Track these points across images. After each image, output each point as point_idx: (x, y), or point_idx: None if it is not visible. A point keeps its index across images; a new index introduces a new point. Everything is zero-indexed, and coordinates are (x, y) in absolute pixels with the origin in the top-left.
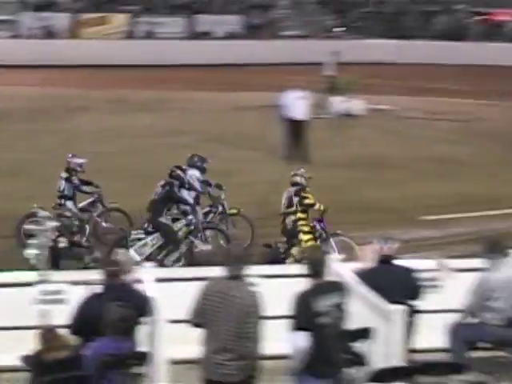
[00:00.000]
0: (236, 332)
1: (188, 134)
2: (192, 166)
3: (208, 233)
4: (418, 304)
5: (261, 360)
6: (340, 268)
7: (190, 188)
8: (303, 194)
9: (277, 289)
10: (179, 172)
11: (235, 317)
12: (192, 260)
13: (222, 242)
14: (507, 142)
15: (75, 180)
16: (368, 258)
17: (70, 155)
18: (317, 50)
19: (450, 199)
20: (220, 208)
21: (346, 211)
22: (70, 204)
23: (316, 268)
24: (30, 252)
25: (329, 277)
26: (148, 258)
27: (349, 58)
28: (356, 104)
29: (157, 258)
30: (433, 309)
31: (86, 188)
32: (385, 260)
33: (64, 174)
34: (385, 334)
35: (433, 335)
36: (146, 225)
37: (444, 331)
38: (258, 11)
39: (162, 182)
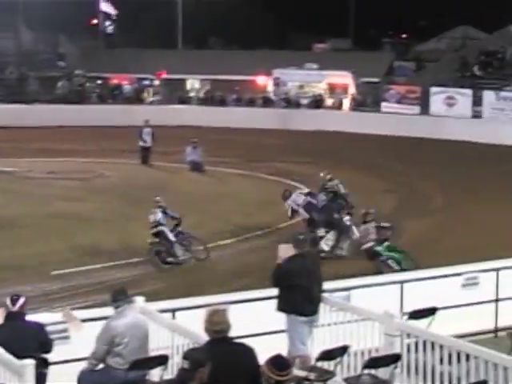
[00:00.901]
0: None
1: None
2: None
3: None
4: (49, 356)
5: None
6: None
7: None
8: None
9: None
10: (330, 183)
11: None
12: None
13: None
14: (125, 196)
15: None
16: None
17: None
18: None
19: (75, 253)
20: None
21: None
22: (165, 229)
23: None
24: None
25: None
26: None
27: None
28: None
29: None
30: (63, 359)
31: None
32: (14, 317)
33: (158, 209)
34: None
35: None
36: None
37: (74, 379)
38: None
39: (324, 192)
